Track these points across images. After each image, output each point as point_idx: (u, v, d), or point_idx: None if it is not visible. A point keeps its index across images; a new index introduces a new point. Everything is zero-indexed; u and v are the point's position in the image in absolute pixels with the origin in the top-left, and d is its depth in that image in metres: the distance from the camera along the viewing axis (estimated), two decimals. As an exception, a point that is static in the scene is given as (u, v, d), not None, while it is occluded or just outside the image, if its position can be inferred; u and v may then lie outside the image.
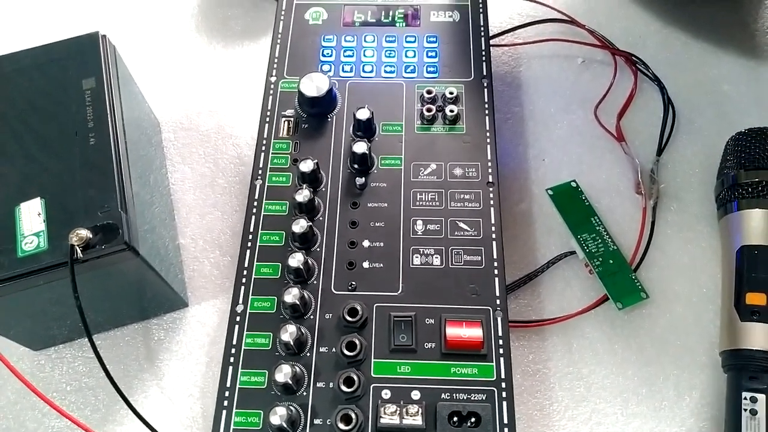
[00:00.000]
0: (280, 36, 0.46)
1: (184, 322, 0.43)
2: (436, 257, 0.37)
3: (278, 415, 0.32)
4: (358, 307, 0.35)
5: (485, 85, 0.44)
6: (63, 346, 0.43)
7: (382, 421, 0.32)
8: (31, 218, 0.35)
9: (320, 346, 0.35)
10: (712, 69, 0.53)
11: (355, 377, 0.33)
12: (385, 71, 0.44)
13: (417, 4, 0.47)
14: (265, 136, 0.42)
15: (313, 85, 0.42)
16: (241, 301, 0.36)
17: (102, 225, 0.34)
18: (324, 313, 0.36)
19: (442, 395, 0.33)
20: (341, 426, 0.32)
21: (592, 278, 0.43)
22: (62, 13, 0.58)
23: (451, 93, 0.43)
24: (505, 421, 0.32)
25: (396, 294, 0.36)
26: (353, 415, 0.32)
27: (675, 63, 0.53)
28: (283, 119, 0.42)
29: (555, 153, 0.49)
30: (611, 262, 0.43)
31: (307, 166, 0.39)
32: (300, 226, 0.37)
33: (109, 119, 0.38)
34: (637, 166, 0.47)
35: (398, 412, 0.32)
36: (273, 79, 0.44)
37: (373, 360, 0.34)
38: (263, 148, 0.41)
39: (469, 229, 0.38)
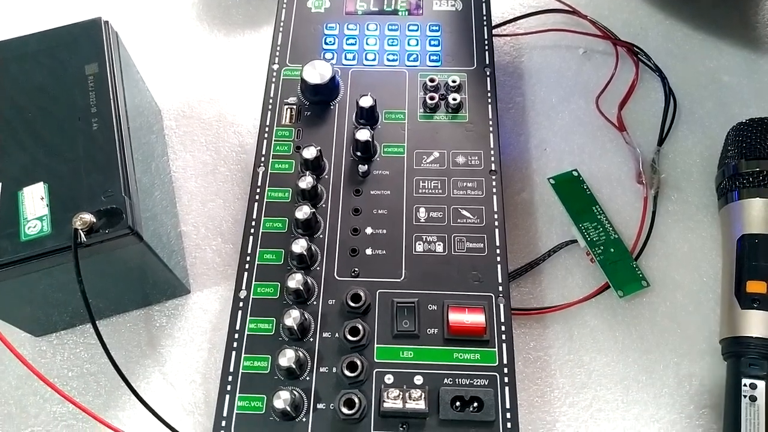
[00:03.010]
0: (282, 24, 0.46)
1: (186, 308, 0.43)
2: (439, 244, 0.37)
3: (281, 399, 0.32)
4: (362, 293, 0.35)
5: (488, 74, 0.44)
6: (65, 332, 0.42)
7: (386, 405, 0.32)
8: (35, 203, 0.35)
9: (323, 332, 0.35)
10: (712, 60, 0.53)
11: (359, 362, 0.33)
12: (388, 59, 0.44)
13: (420, -8, 0.47)
14: (268, 123, 0.42)
15: (316, 72, 0.42)
16: (244, 287, 0.36)
17: (105, 209, 0.34)
18: (327, 299, 0.36)
19: (445, 380, 0.33)
20: (344, 410, 0.32)
21: (594, 266, 0.44)
22: (64, -1, 0.58)
23: (453, 81, 0.43)
24: (507, 406, 0.33)
25: (399, 280, 0.36)
26: (356, 400, 0.32)
27: (676, 54, 0.53)
28: (286, 107, 0.42)
29: (557, 142, 0.49)
30: (612, 250, 0.44)
31: (310, 153, 0.39)
32: (303, 212, 0.37)
33: (112, 105, 0.38)
34: (638, 155, 0.47)
35: (401, 396, 0.33)
36: (275, 66, 0.44)
37: (376, 345, 0.34)
38: (266, 135, 0.41)
39: (471, 216, 0.38)
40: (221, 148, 0.50)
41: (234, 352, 0.34)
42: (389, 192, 0.39)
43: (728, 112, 0.50)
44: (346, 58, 0.44)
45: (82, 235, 0.33)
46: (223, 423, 0.33)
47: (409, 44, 0.45)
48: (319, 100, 0.42)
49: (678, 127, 0.50)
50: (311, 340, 0.35)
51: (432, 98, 0.42)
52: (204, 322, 0.43)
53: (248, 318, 0.35)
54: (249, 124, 0.51)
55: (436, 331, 0.35)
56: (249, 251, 0.37)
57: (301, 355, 0.33)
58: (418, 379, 0.33)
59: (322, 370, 0.34)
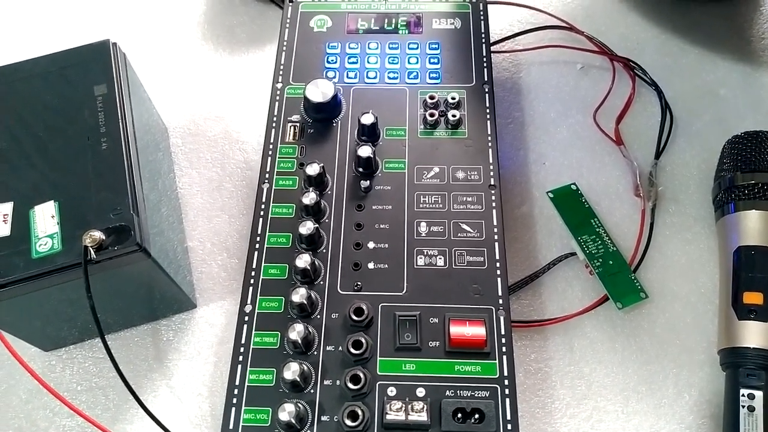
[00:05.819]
0: (285, 43, 0.47)
1: (192, 322, 0.44)
2: (440, 258, 0.38)
3: (287, 412, 0.32)
4: (364, 307, 0.36)
5: (486, 90, 0.45)
6: (73, 346, 0.43)
7: (388, 417, 0.33)
8: (45, 220, 0.36)
9: (327, 345, 0.36)
10: (708, 74, 0.54)
11: (362, 375, 0.34)
12: (389, 77, 0.45)
13: (419, 11, 0.48)
14: (272, 140, 0.43)
15: (319, 91, 0.43)
16: (249, 302, 0.37)
17: (114, 227, 0.35)
18: (330, 313, 0.37)
19: (447, 392, 0.34)
20: (348, 422, 0.33)
21: (593, 279, 0.44)
22: (74, 21, 0.59)
23: (453, 98, 0.43)
24: (508, 417, 0.33)
25: (401, 294, 0.37)
26: (360, 412, 0.33)
27: (672, 68, 0.54)
28: (290, 124, 0.43)
29: (555, 156, 0.50)
30: (611, 262, 0.44)
31: (313, 169, 0.40)
32: (307, 228, 0.38)
33: (120, 124, 0.39)
34: (636, 169, 0.48)
35: (404, 408, 0.33)
36: (279, 85, 0.45)
37: (378, 358, 0.35)
38: (270, 152, 0.42)
39: (471, 230, 0.39)
40: (226, 165, 0.51)
41: (240, 366, 0.35)
42: (391, 207, 0.40)
43: (724, 125, 0.51)
44: (347, 77, 0.45)
45: (92, 252, 0.34)
46: (230, 435, 0.33)
47: (409, 62, 0.46)
48: (321, 117, 0.43)
49: (675, 141, 0.50)
50: (315, 353, 0.35)
51: (432, 115, 0.43)
52: (210, 336, 0.44)
53: (253, 332, 0.36)
54: (254, 141, 0.52)
55: (437, 344, 0.35)
56: (254, 266, 0.38)
57: (305, 368, 0.34)
58: (420, 392, 0.34)
59: (326, 382, 0.34)
